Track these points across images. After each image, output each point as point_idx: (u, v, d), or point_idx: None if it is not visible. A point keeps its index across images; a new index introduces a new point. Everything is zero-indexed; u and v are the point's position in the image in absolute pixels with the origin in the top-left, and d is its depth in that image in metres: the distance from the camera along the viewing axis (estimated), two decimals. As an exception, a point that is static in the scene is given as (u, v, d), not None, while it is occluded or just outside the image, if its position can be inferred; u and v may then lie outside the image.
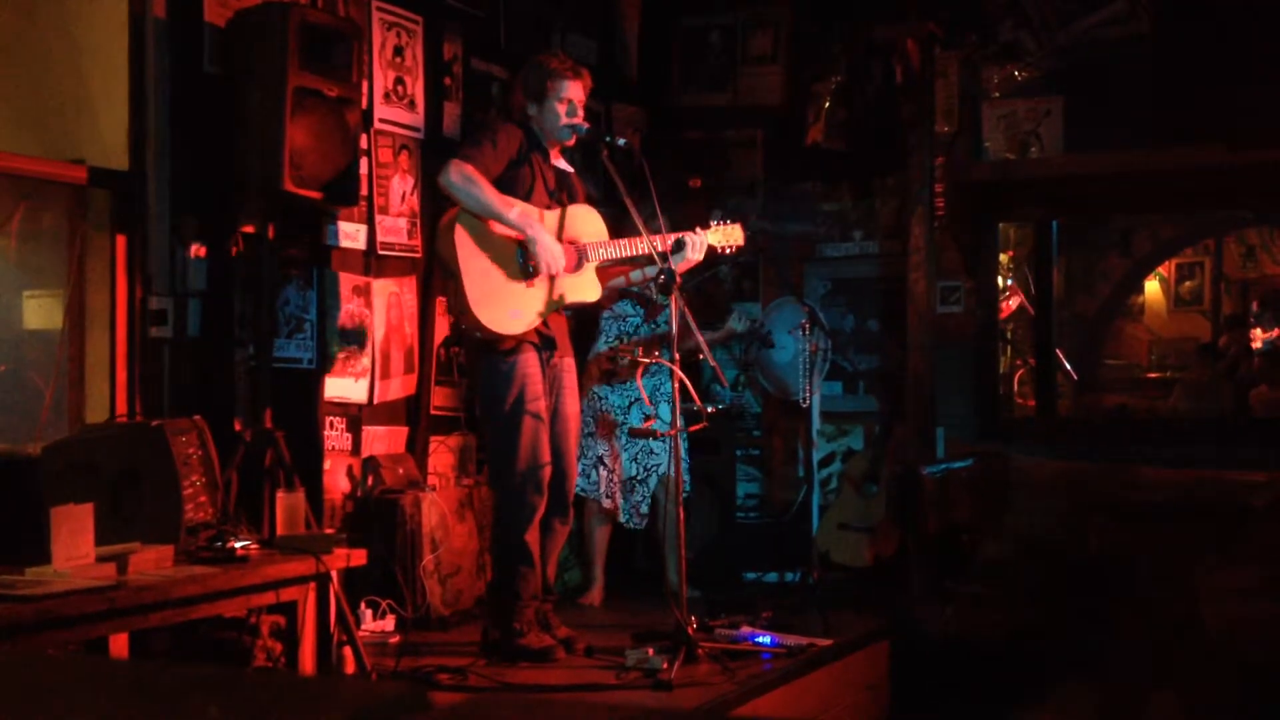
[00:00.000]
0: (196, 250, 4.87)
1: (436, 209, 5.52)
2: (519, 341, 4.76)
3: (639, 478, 5.98)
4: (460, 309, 4.73)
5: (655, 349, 6.05)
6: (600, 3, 7.32)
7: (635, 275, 5.23)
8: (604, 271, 5.03)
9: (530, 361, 4.78)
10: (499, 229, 4.72)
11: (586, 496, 5.99)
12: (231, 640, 4.17)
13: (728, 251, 5.22)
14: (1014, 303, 7.87)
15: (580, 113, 4.93)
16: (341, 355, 5.47)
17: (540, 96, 4.90)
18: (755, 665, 4.67)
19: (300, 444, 4.99)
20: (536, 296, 4.78)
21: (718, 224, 5.19)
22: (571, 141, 4.95)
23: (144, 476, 3.88)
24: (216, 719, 0.94)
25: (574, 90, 4.90)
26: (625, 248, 4.92)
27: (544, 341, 4.85)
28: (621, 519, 6.01)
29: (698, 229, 5.10)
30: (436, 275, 5.73)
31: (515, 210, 4.71)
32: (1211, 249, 10.44)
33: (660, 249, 4.83)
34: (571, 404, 4.97)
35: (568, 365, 4.98)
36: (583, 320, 5.86)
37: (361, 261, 5.60)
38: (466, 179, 4.68)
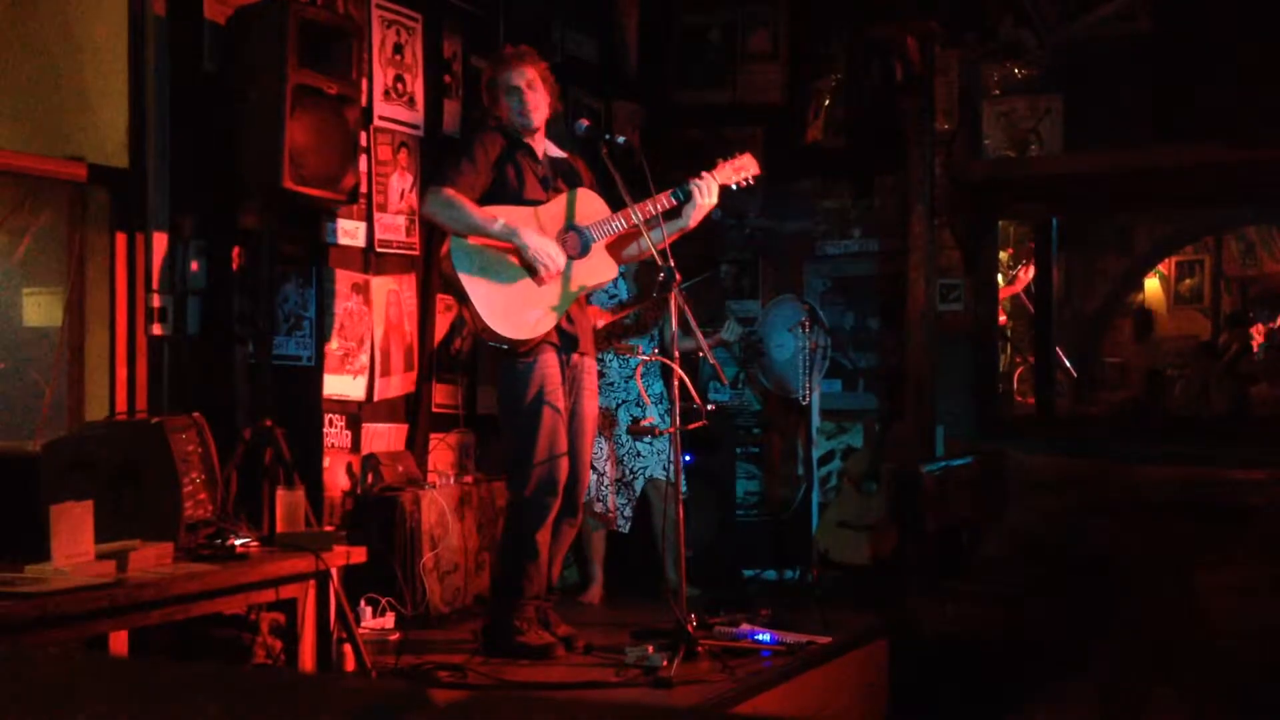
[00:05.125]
0: (196, 248, 4.86)
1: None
2: (539, 342, 4.75)
3: (625, 480, 5.96)
4: (480, 328, 4.70)
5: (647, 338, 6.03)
6: (600, 0, 7.31)
7: (631, 251, 5.05)
8: (615, 247, 4.99)
9: (549, 362, 4.76)
10: (493, 241, 4.71)
11: None
12: (231, 637, 4.16)
13: (745, 184, 5.02)
14: (1029, 273, 7.84)
15: (540, 90, 4.85)
16: (340, 353, 5.47)
17: (494, 93, 4.89)
18: (755, 663, 4.67)
19: (300, 441, 4.99)
20: (552, 292, 4.75)
21: (726, 161, 4.98)
22: (535, 123, 4.86)
23: (144, 474, 3.88)
24: (216, 717, 0.93)
25: (518, 71, 4.85)
26: (626, 218, 4.84)
27: (565, 341, 4.82)
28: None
29: (704, 173, 4.92)
30: (435, 274, 5.72)
31: (499, 222, 4.67)
32: (1211, 247, 10.45)
33: (659, 210, 4.76)
34: (590, 405, 4.95)
35: (588, 366, 4.95)
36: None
37: (360, 259, 5.59)
38: (444, 204, 4.68)
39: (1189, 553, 5.54)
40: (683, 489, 5.98)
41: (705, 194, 4.88)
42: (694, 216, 4.89)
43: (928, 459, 6.40)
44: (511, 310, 4.68)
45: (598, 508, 5.93)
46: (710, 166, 4.98)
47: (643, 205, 4.78)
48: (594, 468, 5.88)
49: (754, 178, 5.05)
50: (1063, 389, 8.53)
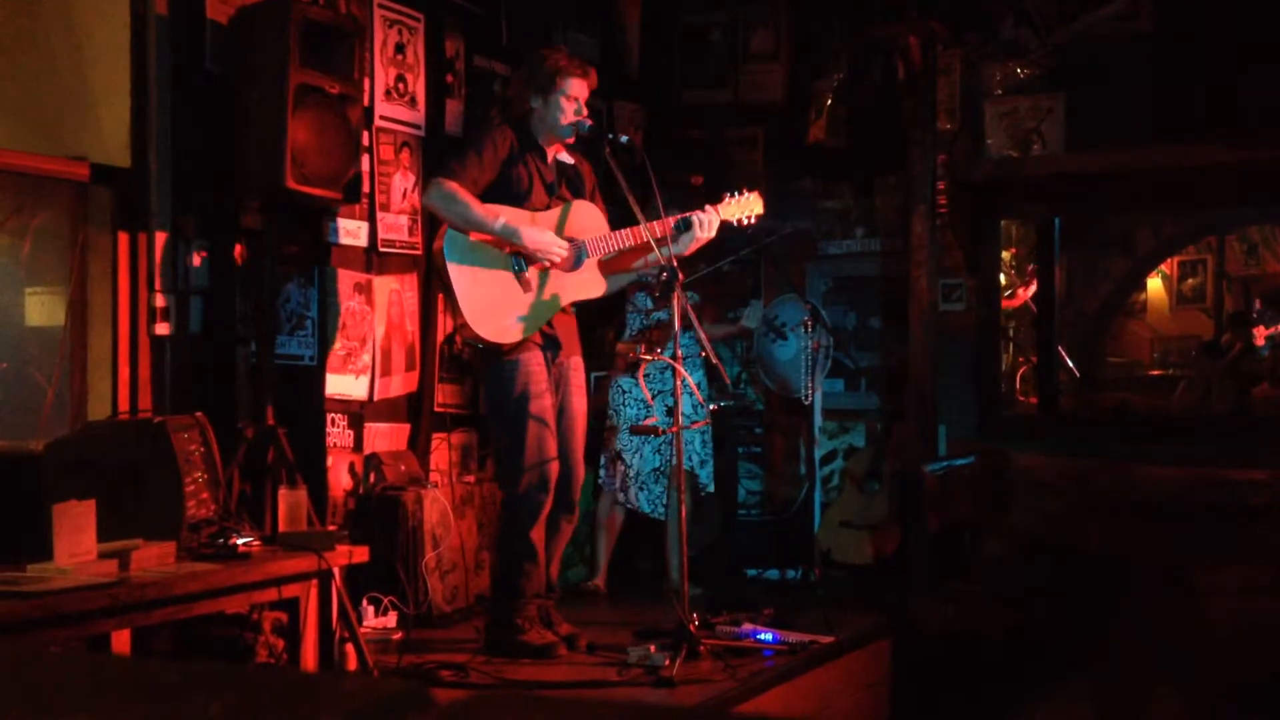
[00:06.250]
0: (198, 247, 4.87)
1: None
2: (522, 343, 4.76)
3: (662, 469, 6.00)
4: (460, 324, 4.73)
5: (665, 342, 6.06)
6: (602, 0, 7.32)
7: (637, 264, 5.08)
8: (608, 265, 5.00)
9: (534, 360, 4.77)
10: (490, 238, 4.71)
11: (605, 489, 6.12)
12: (233, 637, 4.17)
13: (747, 222, 5.04)
14: (1029, 291, 7.84)
15: (585, 111, 4.91)
16: (342, 352, 5.47)
17: (546, 91, 4.86)
18: (757, 663, 4.68)
19: (302, 441, 4.99)
20: (535, 300, 4.76)
21: (732, 197, 5.02)
22: (572, 139, 4.93)
23: (146, 473, 3.89)
24: (218, 716, 0.94)
25: (580, 88, 4.88)
26: (624, 239, 4.86)
27: (547, 342, 4.84)
28: (645, 509, 6.03)
29: (708, 206, 4.94)
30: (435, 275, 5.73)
31: (500, 221, 4.69)
32: (1214, 246, 10.43)
33: (659, 236, 4.76)
34: (578, 402, 4.96)
35: (575, 364, 4.97)
36: (601, 311, 5.88)
37: (363, 259, 5.60)
38: (446, 197, 4.68)
39: (1189, 553, 5.54)
40: (709, 485, 6.11)
41: (705, 228, 4.88)
42: (690, 247, 4.90)
43: (930, 459, 6.40)
44: (495, 312, 4.69)
45: (620, 498, 6.03)
46: (715, 200, 5.00)
47: (641, 229, 4.78)
48: (621, 459, 5.96)
49: (757, 217, 5.07)
50: (1065, 388, 8.52)
